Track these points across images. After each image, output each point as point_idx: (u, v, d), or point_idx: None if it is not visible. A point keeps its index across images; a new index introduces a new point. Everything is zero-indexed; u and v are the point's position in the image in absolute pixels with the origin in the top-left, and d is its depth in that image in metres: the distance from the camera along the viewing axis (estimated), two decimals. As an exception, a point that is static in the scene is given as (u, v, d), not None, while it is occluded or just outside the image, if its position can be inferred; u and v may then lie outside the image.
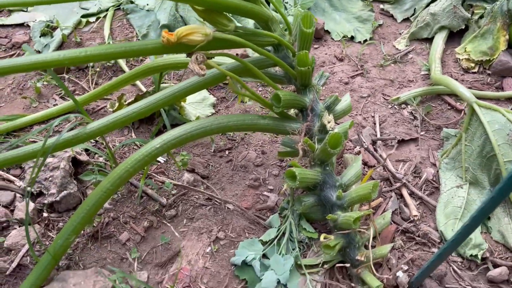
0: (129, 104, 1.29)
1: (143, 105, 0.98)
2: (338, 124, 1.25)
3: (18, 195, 1.17)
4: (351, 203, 0.95)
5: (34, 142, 1.15)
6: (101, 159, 1.24)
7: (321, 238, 0.91)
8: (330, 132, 0.95)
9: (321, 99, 1.04)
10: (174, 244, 1.06)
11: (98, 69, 1.51)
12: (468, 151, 1.13)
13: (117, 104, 1.30)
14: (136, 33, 1.65)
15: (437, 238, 1.05)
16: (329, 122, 0.96)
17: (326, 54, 1.65)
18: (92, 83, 1.49)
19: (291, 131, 1.01)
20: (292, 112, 1.13)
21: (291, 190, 1.08)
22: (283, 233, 1.03)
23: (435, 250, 1.04)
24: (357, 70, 1.57)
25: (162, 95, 1.00)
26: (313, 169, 0.98)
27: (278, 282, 0.95)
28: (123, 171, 0.91)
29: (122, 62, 1.50)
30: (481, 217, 0.71)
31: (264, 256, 1.00)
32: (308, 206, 1.00)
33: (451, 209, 1.09)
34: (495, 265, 1.01)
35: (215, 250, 1.04)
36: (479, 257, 1.01)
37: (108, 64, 1.53)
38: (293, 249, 1.01)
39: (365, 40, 1.68)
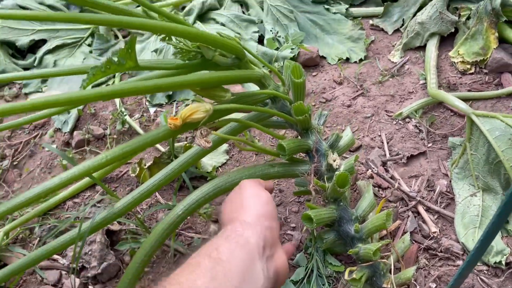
0: (149, 167, 1.37)
1: (162, 176, 1.06)
2: (346, 157, 1.31)
3: (63, 272, 1.26)
4: (370, 234, 1.00)
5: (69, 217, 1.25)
6: (131, 225, 1.32)
7: (346, 274, 0.96)
8: (337, 170, 1.01)
9: (325, 139, 1.10)
10: (212, 296, 1.13)
11: (115, 136, 1.61)
12: (474, 159, 1.17)
13: (138, 169, 1.39)
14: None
15: (459, 250, 1.09)
16: (334, 161, 1.02)
17: (325, 80, 1.71)
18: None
19: (300, 174, 1.07)
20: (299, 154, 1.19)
21: (311, 229, 1.14)
22: (312, 270, 1.09)
23: (459, 262, 1.07)
24: (357, 91, 1.62)
25: (178, 164, 1.08)
26: (328, 207, 1.03)
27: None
28: (153, 241, 0.99)
29: (136, 126, 1.60)
30: (499, 224, 0.75)
31: (297, 295, 1.06)
32: (329, 243, 1.05)
33: (468, 218, 1.12)
34: (521, 268, 1.04)
35: (250, 297, 1.11)
36: (503, 262, 1.04)
37: (124, 128, 1.63)
38: (323, 285, 1.06)
39: (361, 59, 1.73)
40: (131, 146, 0.85)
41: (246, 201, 0.84)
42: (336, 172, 0.97)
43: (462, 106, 1.17)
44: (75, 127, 1.69)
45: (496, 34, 1.48)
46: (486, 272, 1.05)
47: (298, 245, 1.18)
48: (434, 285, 1.03)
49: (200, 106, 0.87)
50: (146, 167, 1.39)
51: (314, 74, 1.75)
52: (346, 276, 0.96)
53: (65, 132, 1.66)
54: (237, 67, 0.98)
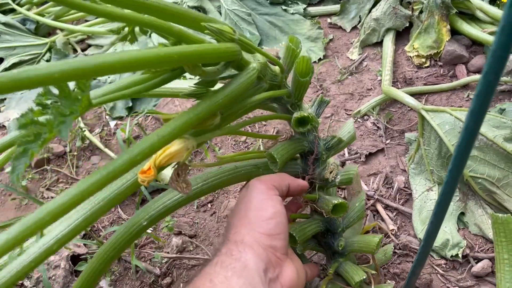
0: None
1: (122, 185, 1.01)
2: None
3: (25, 297, 1.23)
4: (352, 252, 0.95)
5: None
6: (94, 247, 1.30)
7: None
8: (332, 182, 0.89)
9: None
10: (175, 311, 1.12)
11: (75, 153, 1.59)
12: (428, 154, 1.18)
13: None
14: (104, 107, 1.72)
15: (417, 246, 1.09)
16: (331, 173, 0.88)
17: (285, 81, 1.71)
18: (73, 168, 1.56)
19: (291, 174, 0.94)
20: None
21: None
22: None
23: (418, 258, 1.08)
24: (317, 91, 1.62)
25: (128, 183, 1.05)
26: (313, 218, 0.92)
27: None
28: (110, 250, 0.95)
29: (97, 141, 1.57)
30: (441, 213, 0.75)
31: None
32: (308, 249, 1.02)
33: (425, 214, 1.13)
34: (477, 260, 1.05)
35: (213, 308, 1.10)
36: (460, 255, 1.05)
37: (84, 144, 1.60)
38: None
39: (320, 59, 1.74)
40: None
41: (247, 213, 0.71)
42: (330, 186, 0.88)
43: (412, 102, 1.17)
44: (34, 146, 1.65)
45: (448, 27, 1.50)
46: (444, 266, 1.06)
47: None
48: (393, 282, 1.03)
49: (181, 149, 0.64)
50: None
51: (274, 76, 1.74)
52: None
53: (25, 152, 1.63)
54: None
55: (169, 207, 0.96)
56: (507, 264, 0.91)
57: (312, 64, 0.83)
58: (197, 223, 1.30)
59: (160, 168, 0.61)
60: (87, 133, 1.59)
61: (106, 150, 1.55)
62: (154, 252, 1.24)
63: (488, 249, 1.06)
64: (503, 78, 1.33)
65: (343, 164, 1.32)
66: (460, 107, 1.35)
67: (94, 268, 0.95)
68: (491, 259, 1.04)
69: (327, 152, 0.88)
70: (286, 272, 0.70)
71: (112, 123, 1.66)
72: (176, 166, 0.65)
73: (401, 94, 1.23)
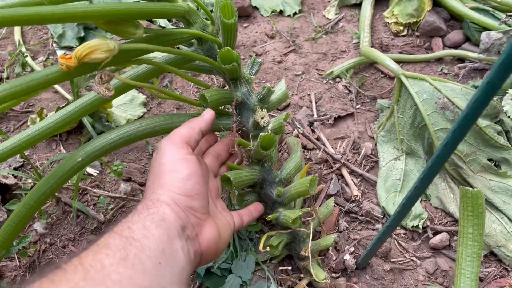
0: (51, 118, 1.20)
1: (59, 118, 0.90)
2: (274, 115, 1.22)
3: None
4: (291, 199, 0.94)
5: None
6: (29, 180, 1.16)
7: (262, 241, 0.90)
8: (264, 129, 0.92)
9: (254, 89, 0.99)
10: (119, 261, 1.02)
11: (5, 76, 1.40)
12: (401, 122, 1.14)
13: (38, 120, 1.21)
14: (51, 34, 1.53)
15: (379, 214, 1.07)
16: (262, 118, 0.90)
17: (256, 32, 1.60)
18: None
19: (224, 129, 0.96)
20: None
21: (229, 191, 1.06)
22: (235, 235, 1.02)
23: (379, 226, 1.05)
24: (289, 47, 1.53)
25: (81, 104, 0.92)
26: (250, 167, 0.94)
27: (241, 284, 0.95)
28: (46, 187, 0.85)
29: (32, 62, 1.39)
30: (421, 189, 0.71)
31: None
32: (249, 204, 0.98)
33: (391, 182, 1.11)
34: (436, 232, 1.04)
35: (161, 262, 1.02)
36: (420, 226, 1.04)
37: (24, 72, 1.42)
38: (247, 246, 1.00)
39: (295, 13, 1.64)
40: (11, 89, 0.69)
41: (162, 176, 0.68)
42: (261, 133, 0.87)
43: (393, 66, 1.12)
44: (-35, 68, 1.44)
45: (431, -4, 1.45)
46: (403, 235, 1.05)
47: (216, 207, 1.09)
48: (352, 249, 1.00)
49: (102, 44, 0.71)
50: (48, 117, 1.21)
51: (245, 25, 1.63)
52: (261, 246, 0.89)
53: (-48, 73, 1.42)
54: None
55: (106, 146, 0.89)
56: (470, 239, 0.90)
57: (235, 8, 0.84)
58: (149, 170, 1.20)
59: (81, 59, 0.66)
60: (29, 59, 1.40)
61: (51, 81, 1.37)
62: (99, 197, 1.13)
63: (447, 222, 1.06)
64: (480, 56, 1.32)
65: (311, 123, 1.26)
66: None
67: (26, 203, 0.85)
68: (449, 233, 1.03)
69: (260, 104, 0.92)
70: (206, 232, 0.69)
71: (60, 52, 1.48)
72: (100, 72, 0.71)
73: (382, 56, 1.17)
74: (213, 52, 0.93)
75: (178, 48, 0.97)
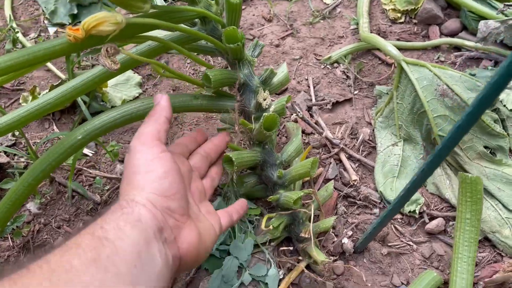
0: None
1: (55, 96, 0.87)
2: (273, 99, 1.21)
3: None
4: (292, 181, 0.94)
5: None
6: (22, 159, 1.14)
7: (263, 221, 0.90)
8: (266, 111, 0.91)
9: (257, 69, 0.98)
10: (115, 242, 1.01)
11: (4, 57, 1.36)
12: (400, 108, 1.14)
13: (30, 98, 1.18)
14: (43, 10, 1.48)
15: (377, 199, 1.07)
16: (264, 100, 0.90)
17: (253, 15, 1.58)
18: None
19: (227, 110, 0.95)
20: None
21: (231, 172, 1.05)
22: (228, 216, 1.01)
23: (376, 211, 1.06)
24: (287, 30, 1.52)
25: (82, 81, 0.90)
26: (252, 149, 0.94)
27: (239, 266, 0.95)
28: (45, 165, 0.83)
29: (23, 39, 1.35)
30: (422, 181, 0.72)
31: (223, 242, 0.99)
32: (250, 186, 0.98)
33: (388, 168, 1.11)
34: (432, 218, 1.05)
35: (159, 243, 1.01)
36: (417, 212, 1.05)
37: (15, 49, 1.37)
38: (247, 228, 1.00)
39: (292, -3, 1.62)
40: (17, 58, 0.67)
41: (135, 177, 0.63)
42: (264, 113, 0.87)
43: (394, 52, 1.12)
44: (-49, 43, 1.39)
45: (430, -16, 1.45)
46: (400, 220, 1.06)
47: (215, 189, 1.09)
48: (350, 232, 1.01)
49: (109, 16, 0.69)
50: (40, 95, 1.18)
51: (242, 7, 1.61)
52: (263, 226, 0.89)
53: None
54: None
55: (107, 125, 0.88)
56: (468, 224, 0.91)
57: None
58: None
59: (88, 31, 0.65)
60: (20, 36, 1.36)
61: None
62: (94, 178, 1.11)
63: (442, 208, 1.07)
64: (477, 45, 1.32)
65: (309, 108, 1.25)
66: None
67: (24, 181, 0.84)
68: (445, 218, 1.05)
69: (262, 86, 0.92)
70: (185, 235, 0.64)
71: (52, 30, 1.44)
72: (106, 45, 0.69)
73: (383, 42, 1.17)
74: (216, 32, 0.91)
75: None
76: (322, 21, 1.55)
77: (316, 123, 1.21)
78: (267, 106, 0.91)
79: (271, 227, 0.90)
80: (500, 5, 1.37)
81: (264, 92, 0.92)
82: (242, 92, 0.93)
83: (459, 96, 1.07)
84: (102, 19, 0.68)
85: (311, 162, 0.89)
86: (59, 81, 1.18)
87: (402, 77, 1.13)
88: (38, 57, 0.69)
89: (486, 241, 1.02)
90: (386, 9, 1.53)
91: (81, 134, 0.86)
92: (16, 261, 0.98)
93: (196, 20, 0.92)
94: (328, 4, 1.60)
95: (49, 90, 1.16)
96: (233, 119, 0.93)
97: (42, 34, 1.44)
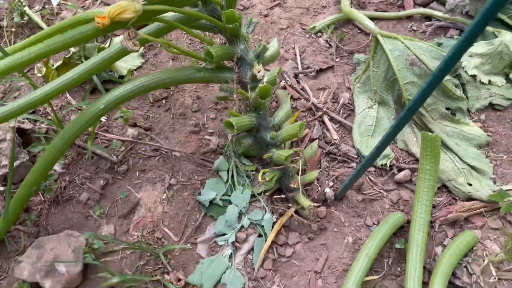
0: (57, 68, 1.30)
1: (80, 71, 1.00)
2: (268, 69, 1.36)
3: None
4: (283, 141, 1.11)
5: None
6: (43, 125, 1.28)
7: (259, 175, 1.08)
8: (260, 81, 1.07)
9: (253, 42, 1.12)
10: (132, 196, 1.18)
11: (13, 29, 1.46)
12: (375, 76, 1.31)
13: (44, 69, 1.30)
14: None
15: (354, 155, 1.26)
16: (259, 72, 1.06)
17: (243, -15, 1.69)
18: (10, 44, 1.44)
19: (226, 81, 1.10)
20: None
21: (231, 135, 1.21)
22: (232, 172, 1.19)
23: (353, 165, 1.25)
24: (274, 0, 1.64)
25: (97, 61, 1.03)
26: (248, 115, 1.10)
27: (239, 213, 1.14)
28: (74, 130, 0.99)
29: (38, 19, 1.46)
30: (392, 136, 0.89)
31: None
32: (247, 146, 1.15)
33: (364, 128, 1.29)
34: (400, 169, 1.25)
35: (170, 195, 1.19)
36: (388, 165, 1.24)
37: (22, 21, 1.47)
38: (244, 181, 1.18)
39: (279, -33, 1.72)
40: (57, 43, 0.81)
41: None
42: (259, 84, 1.02)
43: (371, 25, 1.27)
44: (-39, 16, 1.48)
45: (405, -43, 1.57)
46: (373, 172, 1.25)
47: (215, 149, 1.26)
48: (332, 183, 1.20)
49: (130, 5, 0.83)
50: (54, 67, 1.30)
51: (232, -22, 1.71)
52: (259, 179, 1.07)
53: (-50, 20, 1.46)
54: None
55: (125, 96, 1.02)
56: (427, 174, 1.11)
57: None
58: (152, 117, 1.33)
59: (113, 19, 0.80)
60: (27, 9, 1.46)
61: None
62: (109, 141, 1.26)
63: (409, 161, 1.27)
64: (445, 15, 1.48)
65: (296, 75, 1.41)
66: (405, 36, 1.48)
67: (57, 144, 0.98)
68: (411, 170, 1.24)
69: (256, 59, 1.08)
70: None
71: (55, 2, 1.54)
72: (128, 29, 0.85)
73: (362, 17, 1.31)
74: (215, 12, 1.05)
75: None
76: (307, -9, 1.67)
77: (302, 89, 1.37)
78: (261, 77, 1.07)
79: (266, 179, 1.08)
80: (467, -22, 1.51)
81: (258, 65, 1.07)
82: (240, 65, 1.08)
83: (425, 65, 1.23)
84: (124, 8, 0.83)
85: (299, 125, 1.06)
86: (70, 54, 1.30)
87: (377, 48, 1.28)
88: (77, 40, 0.83)
89: (444, 188, 1.22)
90: (365, -20, 1.66)
91: (103, 104, 1.01)
92: (48, 213, 1.15)
93: (198, 2, 1.05)
94: (312, -25, 1.72)
95: (63, 63, 1.29)
96: (232, 88, 1.09)
97: (46, 6, 1.53)
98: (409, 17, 1.56)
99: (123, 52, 1.07)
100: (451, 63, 0.66)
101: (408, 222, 1.14)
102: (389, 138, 0.90)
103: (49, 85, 0.99)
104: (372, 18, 1.55)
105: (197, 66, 1.10)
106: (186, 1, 0.99)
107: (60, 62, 1.30)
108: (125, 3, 0.83)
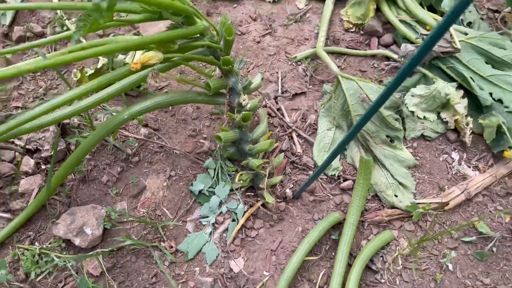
0: (90, 75, 1.66)
1: (116, 89, 1.36)
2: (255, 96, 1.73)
3: (17, 153, 1.58)
4: (257, 152, 1.50)
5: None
6: (76, 120, 1.65)
7: (237, 177, 1.47)
8: (245, 107, 1.44)
9: (242, 76, 1.50)
10: (140, 182, 1.57)
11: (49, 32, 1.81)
12: (335, 106, 1.69)
13: (79, 75, 1.67)
14: (80, -2, 1.91)
15: (312, 165, 1.65)
16: (244, 100, 1.44)
17: (242, 13, 2.05)
18: (52, 51, 1.80)
19: (219, 103, 1.48)
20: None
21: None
22: (218, 171, 1.58)
23: (310, 172, 1.64)
24: (267, 29, 2.00)
25: (127, 82, 1.40)
26: (233, 130, 1.48)
27: (220, 202, 1.53)
28: (103, 132, 1.37)
29: (68, 23, 1.81)
30: (339, 150, 1.27)
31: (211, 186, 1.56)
32: (230, 153, 1.53)
33: (322, 145, 1.68)
34: (345, 179, 1.64)
35: (169, 184, 1.57)
36: (336, 175, 1.63)
37: (62, 31, 1.83)
38: (227, 179, 1.57)
39: (274, 1, 2.08)
40: (103, 80, 1.18)
41: None
42: (243, 110, 1.40)
43: (335, 69, 1.64)
44: (13, 21, 1.83)
45: (375, 6, 1.94)
46: (324, 179, 1.64)
47: (207, 151, 1.64)
48: (292, 185, 1.59)
49: (155, 55, 1.19)
50: (87, 74, 1.67)
51: (234, 6, 2.07)
52: (236, 179, 1.46)
53: (4, 24, 1.81)
54: (186, 22, 1.27)
55: (144, 110, 1.40)
56: (360, 186, 1.50)
57: (233, 28, 1.33)
58: (160, 120, 1.71)
59: (142, 64, 1.14)
60: (67, 22, 1.81)
61: (83, 41, 1.80)
62: (126, 137, 1.64)
63: (353, 173, 1.66)
64: (400, 59, 1.85)
65: (276, 97, 1.79)
66: (365, 71, 1.86)
67: (90, 140, 1.37)
68: (354, 181, 1.64)
69: (243, 90, 1.44)
70: None
71: (88, 17, 1.88)
72: (152, 71, 1.20)
73: (328, 60, 1.69)
74: (216, 53, 1.42)
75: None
76: (294, 24, 2.03)
77: (279, 109, 1.75)
78: (245, 105, 1.45)
79: (242, 179, 1.47)
80: (422, 30, 1.88)
81: (244, 95, 1.45)
82: (230, 94, 1.46)
83: (372, 101, 1.62)
84: (151, 57, 1.19)
85: (269, 143, 1.44)
86: (101, 65, 1.66)
87: (338, 85, 1.66)
88: (118, 78, 1.20)
89: (376, 197, 1.62)
90: (343, 19, 2.02)
91: (127, 115, 1.39)
92: (77, 188, 1.54)
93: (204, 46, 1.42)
94: (300, 9, 2.08)
95: (94, 71, 1.66)
96: (223, 110, 1.47)
97: (80, 19, 1.89)
98: (373, 56, 1.94)
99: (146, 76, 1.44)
100: (384, 98, 1.03)
101: (345, 220, 1.54)
102: (337, 151, 1.28)
103: (94, 96, 1.37)
104: (343, 54, 1.93)
105: (199, 91, 1.47)
106: (195, 46, 1.36)
107: (92, 71, 1.66)
108: (152, 53, 1.20)
